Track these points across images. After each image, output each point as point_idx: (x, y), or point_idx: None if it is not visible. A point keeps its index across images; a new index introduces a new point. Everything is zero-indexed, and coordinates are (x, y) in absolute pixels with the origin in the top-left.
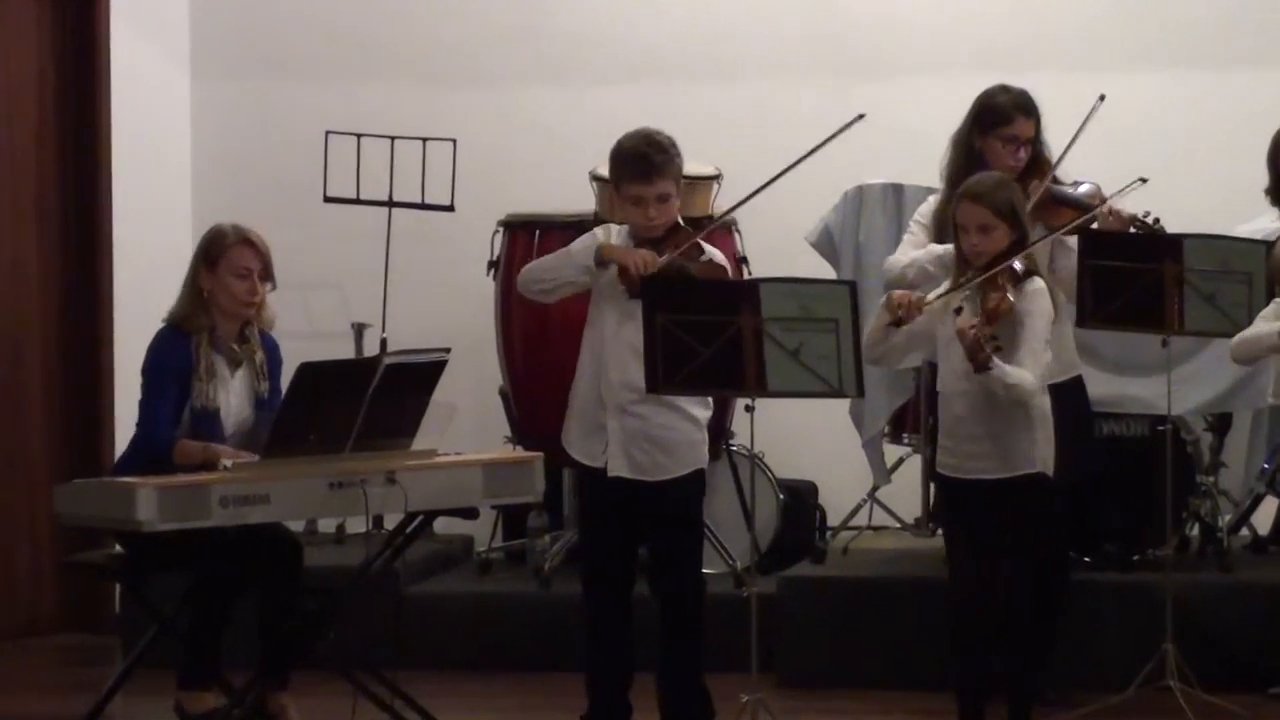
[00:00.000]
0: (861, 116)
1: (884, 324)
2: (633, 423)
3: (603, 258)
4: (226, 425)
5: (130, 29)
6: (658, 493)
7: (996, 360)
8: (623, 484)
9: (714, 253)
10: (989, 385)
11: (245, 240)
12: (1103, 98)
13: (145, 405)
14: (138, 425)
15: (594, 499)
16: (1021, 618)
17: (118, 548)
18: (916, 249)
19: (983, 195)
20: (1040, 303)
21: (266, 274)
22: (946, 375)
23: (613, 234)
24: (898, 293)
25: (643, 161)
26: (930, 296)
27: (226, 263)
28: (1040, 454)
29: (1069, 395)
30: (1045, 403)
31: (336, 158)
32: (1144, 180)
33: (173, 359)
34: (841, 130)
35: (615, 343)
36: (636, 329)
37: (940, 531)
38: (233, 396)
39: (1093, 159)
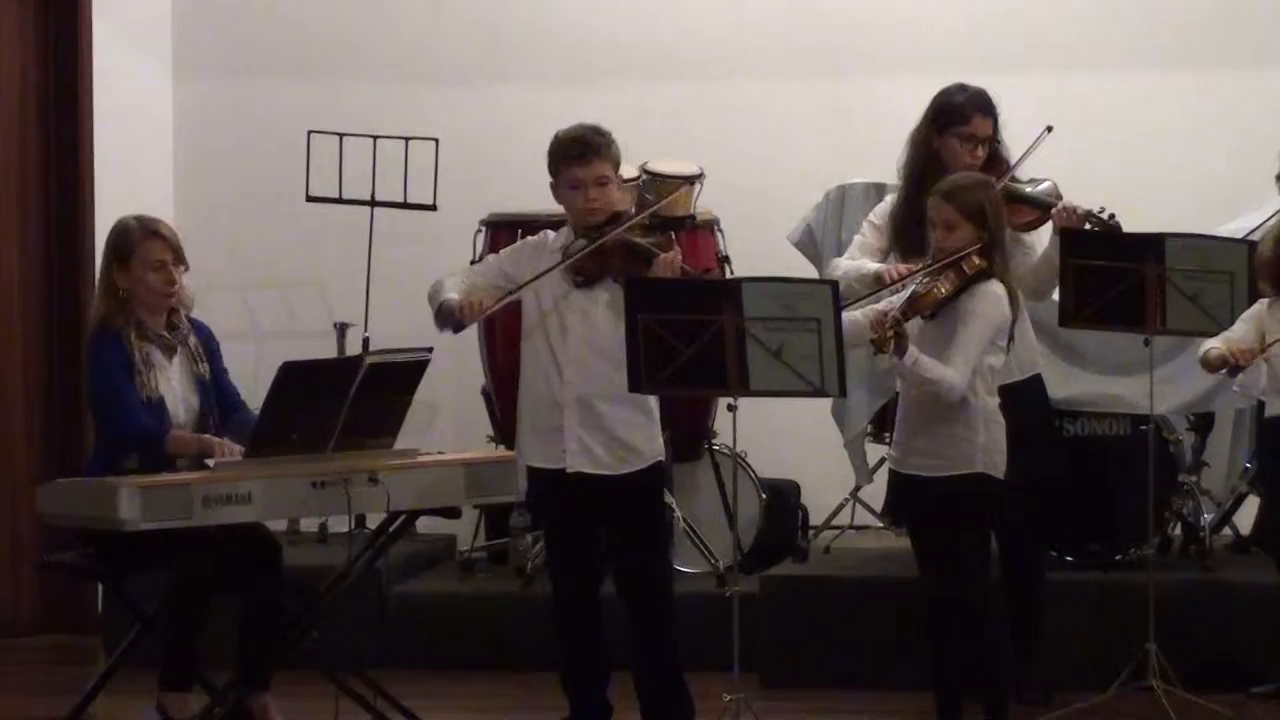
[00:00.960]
0: (1050, 129)
1: (863, 340)
2: (590, 417)
3: (442, 306)
4: (176, 413)
5: (112, 30)
6: (618, 487)
7: (914, 351)
8: (582, 480)
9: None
10: (905, 377)
11: (153, 233)
12: (1050, 129)
13: (112, 402)
14: (108, 423)
15: (553, 498)
16: (973, 616)
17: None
18: (864, 252)
19: (953, 194)
20: (987, 306)
21: (179, 259)
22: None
23: (548, 238)
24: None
25: (579, 144)
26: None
27: (138, 258)
28: (983, 456)
29: (1028, 395)
30: (991, 404)
31: (319, 157)
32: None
33: (115, 356)
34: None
35: (566, 339)
36: (586, 321)
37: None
38: (175, 383)
39: (1073, 159)
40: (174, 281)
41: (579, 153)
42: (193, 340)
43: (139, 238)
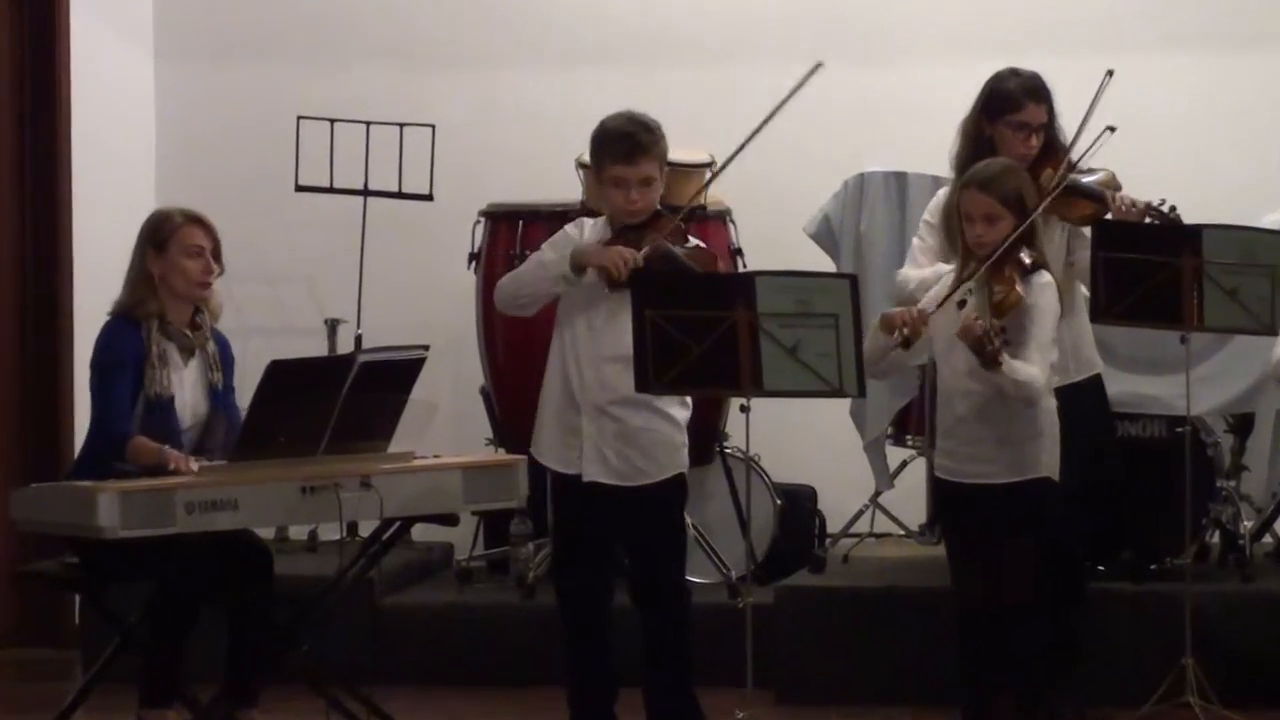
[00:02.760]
0: (820, 65)
1: (889, 345)
2: (609, 425)
3: (578, 263)
4: (182, 416)
5: (91, 9)
6: (636, 499)
7: (1006, 356)
8: (598, 489)
9: (698, 242)
10: (997, 383)
11: (194, 219)
12: (1110, 73)
13: (100, 397)
14: (93, 419)
15: (568, 505)
16: (1023, 630)
17: (72, 557)
18: (925, 255)
19: (989, 183)
20: (1049, 297)
21: (217, 253)
22: (947, 374)
23: (585, 228)
24: (896, 312)
25: (627, 141)
26: (929, 306)
27: (177, 243)
28: (1046, 458)
29: (1088, 395)
30: (1051, 404)
31: (309, 144)
32: (1112, 129)
33: (125, 349)
34: (802, 83)
35: (590, 341)
36: (612, 324)
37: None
38: (187, 386)
39: (1107, 148)
40: (211, 270)
41: (627, 151)
42: (211, 347)
43: (180, 222)
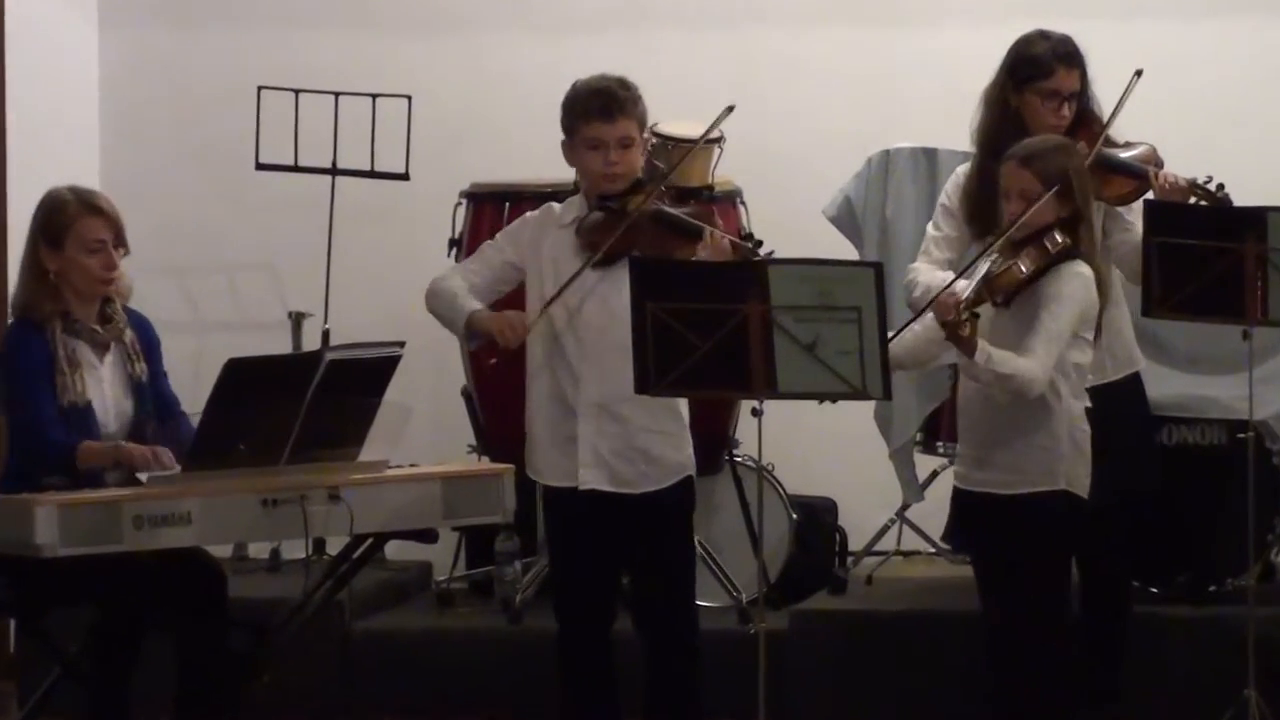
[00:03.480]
0: (730, 109)
1: (940, 337)
2: (609, 424)
3: (470, 328)
4: (105, 421)
5: None
6: (641, 508)
7: (984, 345)
8: (598, 499)
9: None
10: (978, 376)
11: (91, 207)
12: (1139, 73)
13: (23, 408)
14: (18, 434)
15: (564, 519)
16: (1047, 658)
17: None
18: (940, 247)
19: (1031, 159)
20: (1074, 288)
21: (119, 240)
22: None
23: (554, 212)
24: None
25: (602, 97)
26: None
27: (74, 238)
28: (1065, 469)
29: (1126, 396)
30: (1076, 408)
31: (271, 118)
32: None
33: (34, 354)
34: (712, 126)
35: (580, 330)
36: (603, 308)
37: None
38: (105, 386)
39: (1145, 124)
40: (113, 266)
41: (602, 107)
42: (129, 336)
43: (75, 213)
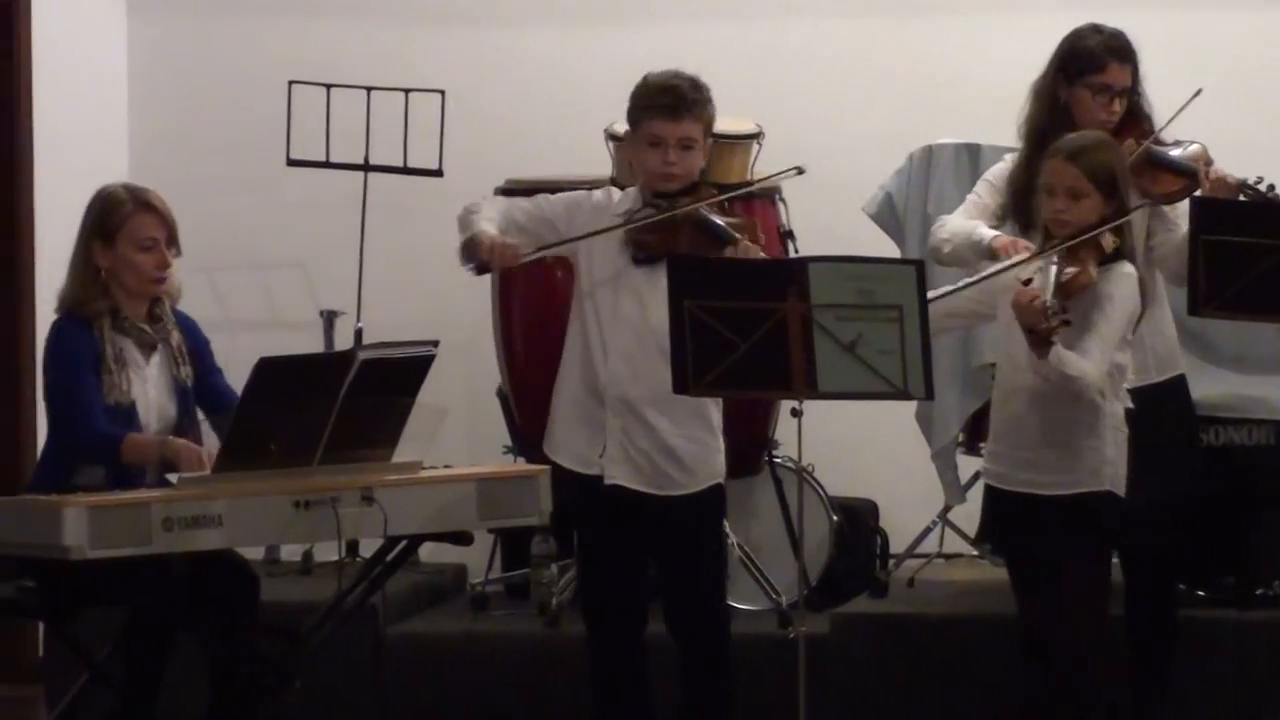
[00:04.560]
0: (800, 171)
1: (983, 297)
2: (638, 425)
3: (469, 245)
4: (147, 422)
5: None
6: (668, 511)
7: (1057, 343)
8: (624, 495)
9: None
10: (1044, 373)
11: (145, 205)
12: (1199, 92)
13: (69, 400)
14: (62, 426)
15: (588, 514)
16: (1085, 663)
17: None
18: (978, 214)
19: (1079, 154)
20: (1126, 289)
21: (172, 240)
22: (1007, 366)
23: (613, 196)
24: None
25: (671, 94)
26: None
27: (126, 235)
28: (1109, 469)
29: (1170, 398)
30: (1118, 410)
31: (302, 113)
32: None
33: (81, 349)
34: (773, 177)
35: (615, 324)
36: (639, 305)
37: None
38: (150, 387)
39: (1198, 120)
40: (165, 265)
41: (669, 105)
42: (175, 338)
43: (129, 210)
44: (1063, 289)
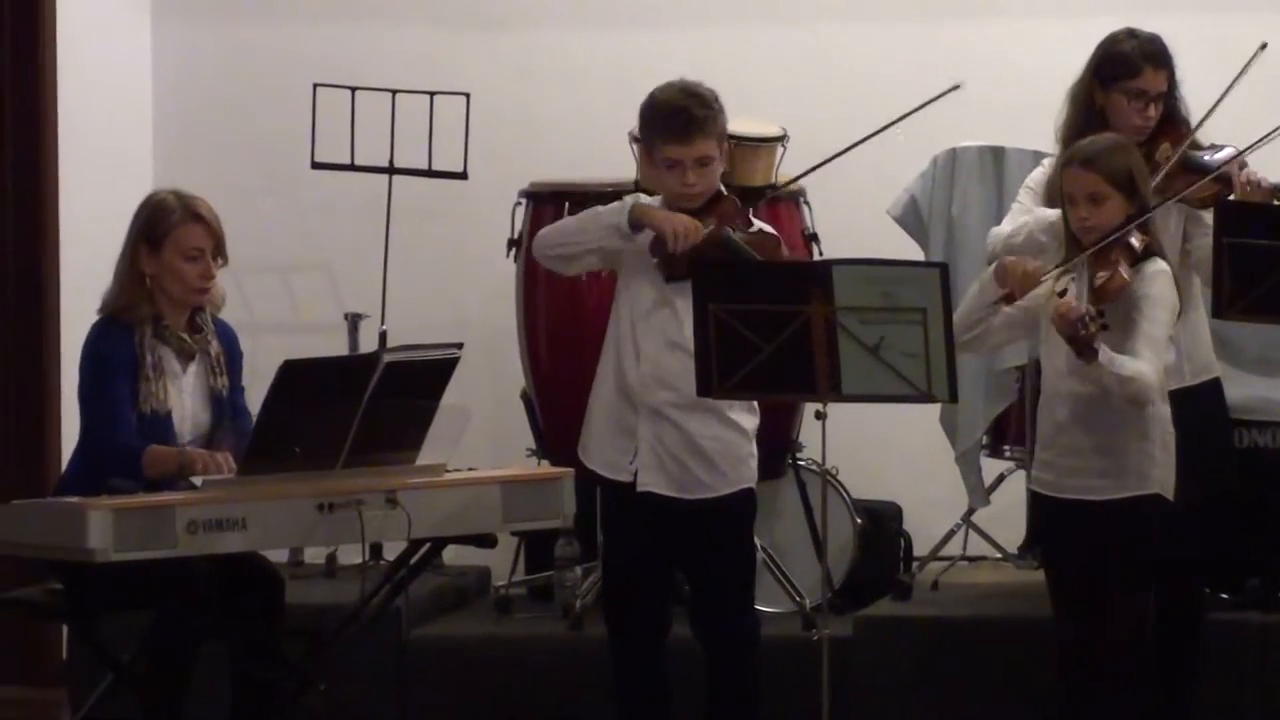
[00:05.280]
0: (957, 87)
1: (990, 299)
2: (669, 430)
3: (636, 219)
4: (181, 431)
5: None
6: (698, 515)
7: (1104, 347)
8: (655, 501)
9: (764, 226)
10: (1099, 379)
11: (194, 215)
12: (1264, 46)
13: (99, 406)
14: (90, 433)
15: (619, 519)
16: (1129, 666)
17: (55, 583)
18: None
19: (1094, 160)
20: (1161, 286)
21: (219, 250)
22: (1050, 374)
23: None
24: (1012, 259)
25: (680, 117)
26: (1047, 268)
27: (173, 243)
28: (1159, 473)
29: (1205, 401)
30: (1165, 411)
31: (326, 115)
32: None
33: (119, 355)
34: (932, 101)
35: (648, 331)
36: (673, 315)
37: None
38: (186, 396)
39: (1244, 121)
40: (210, 276)
41: (680, 130)
42: (214, 348)
43: (177, 219)
44: (1097, 294)
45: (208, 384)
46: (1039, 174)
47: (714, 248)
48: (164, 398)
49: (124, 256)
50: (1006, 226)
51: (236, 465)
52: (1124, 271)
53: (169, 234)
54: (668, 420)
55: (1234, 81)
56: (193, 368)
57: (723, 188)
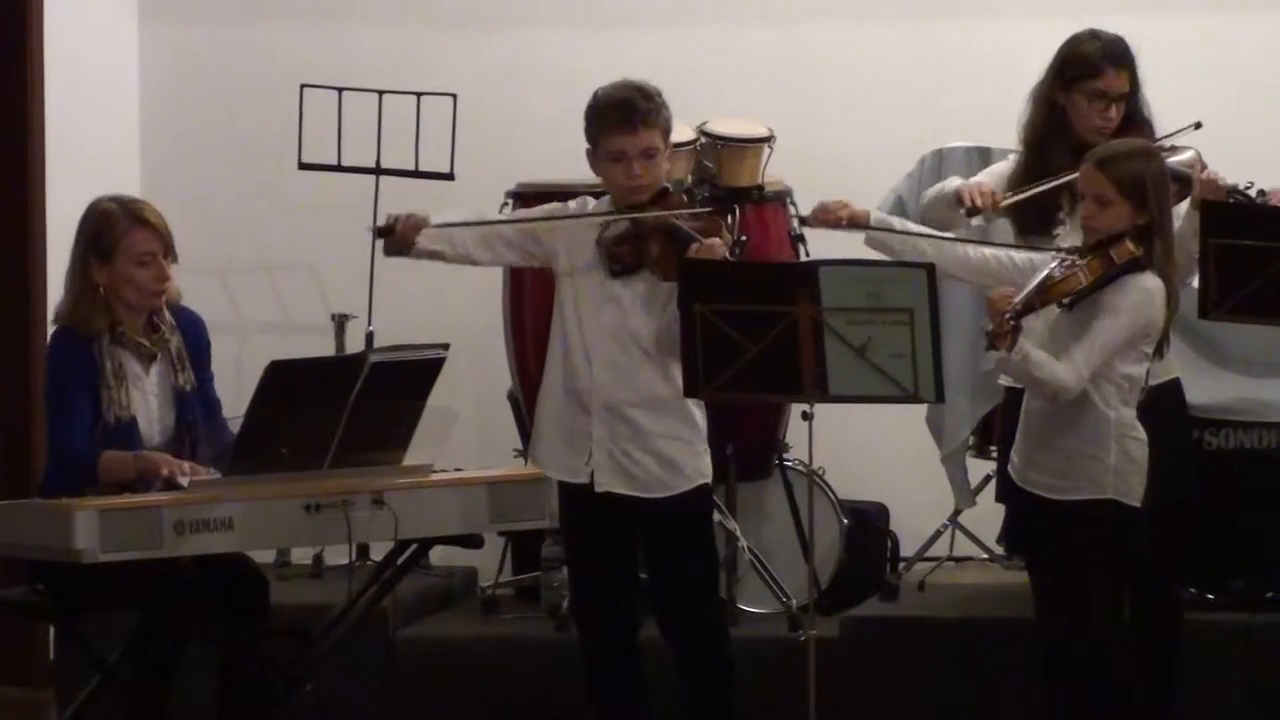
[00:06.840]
0: (1199, 125)
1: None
2: (624, 429)
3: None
4: (148, 435)
5: None
6: (656, 513)
7: (1023, 343)
8: (614, 501)
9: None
10: (1012, 374)
11: (140, 219)
12: (1198, 125)
13: (53, 417)
14: (49, 444)
15: (579, 522)
16: (1100, 670)
17: (40, 584)
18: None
19: (1107, 162)
20: (1132, 302)
21: (169, 250)
22: None
23: (588, 206)
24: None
25: (623, 108)
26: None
27: (124, 251)
28: (1114, 479)
29: (1163, 402)
30: (1127, 416)
31: (313, 116)
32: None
33: (78, 366)
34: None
35: (597, 329)
36: (620, 311)
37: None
38: (150, 398)
39: (1218, 120)
40: (165, 278)
41: (623, 119)
42: (175, 343)
43: (123, 227)
44: (1043, 292)
45: (170, 383)
46: (1001, 167)
47: (661, 234)
48: (128, 404)
49: (74, 269)
50: (931, 191)
51: (216, 465)
52: (1082, 276)
53: (118, 243)
54: (624, 419)
55: (1162, 139)
56: (155, 369)
57: (668, 184)
